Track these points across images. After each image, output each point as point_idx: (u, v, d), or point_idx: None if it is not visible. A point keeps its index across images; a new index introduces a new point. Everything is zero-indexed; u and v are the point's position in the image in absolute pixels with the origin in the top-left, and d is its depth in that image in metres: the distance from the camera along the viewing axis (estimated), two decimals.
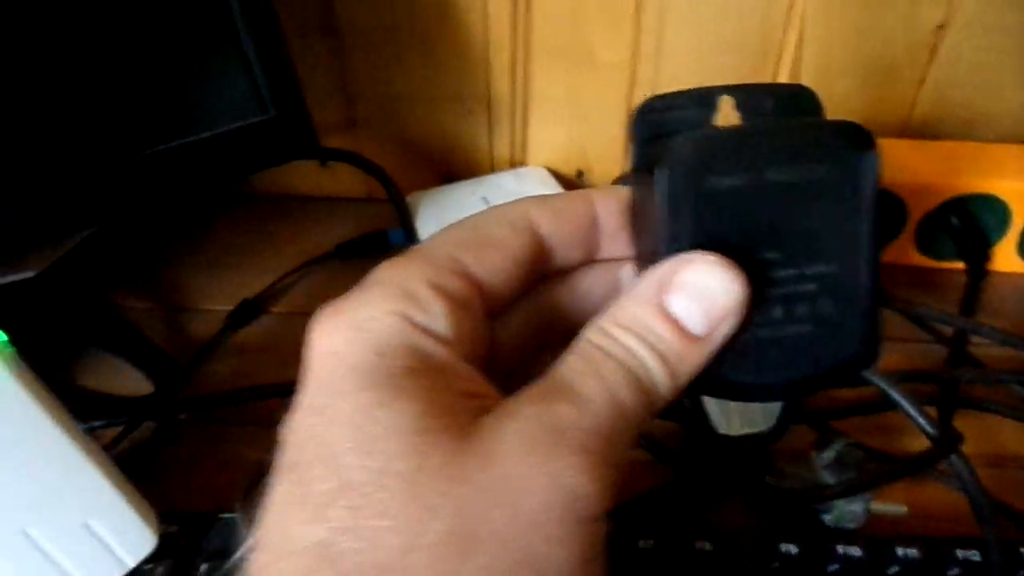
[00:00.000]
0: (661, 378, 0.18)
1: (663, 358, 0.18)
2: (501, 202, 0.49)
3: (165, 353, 0.41)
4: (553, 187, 0.49)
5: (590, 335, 0.18)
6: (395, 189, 0.47)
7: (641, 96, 0.48)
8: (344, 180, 0.53)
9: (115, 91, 0.33)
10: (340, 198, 0.53)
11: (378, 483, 0.15)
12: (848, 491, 0.31)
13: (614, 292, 0.21)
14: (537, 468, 0.15)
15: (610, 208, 0.22)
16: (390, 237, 0.48)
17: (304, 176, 0.53)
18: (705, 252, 0.18)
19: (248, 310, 0.44)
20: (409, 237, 0.46)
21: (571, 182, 0.52)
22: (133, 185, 0.37)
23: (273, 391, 0.38)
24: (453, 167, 0.52)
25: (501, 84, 0.48)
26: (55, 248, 0.40)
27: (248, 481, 0.34)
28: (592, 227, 0.22)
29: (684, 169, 0.18)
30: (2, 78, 0.30)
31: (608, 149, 0.51)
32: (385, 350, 0.17)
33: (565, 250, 0.22)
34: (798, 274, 0.19)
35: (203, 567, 0.30)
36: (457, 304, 0.18)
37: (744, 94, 0.21)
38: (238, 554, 0.31)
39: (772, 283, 0.19)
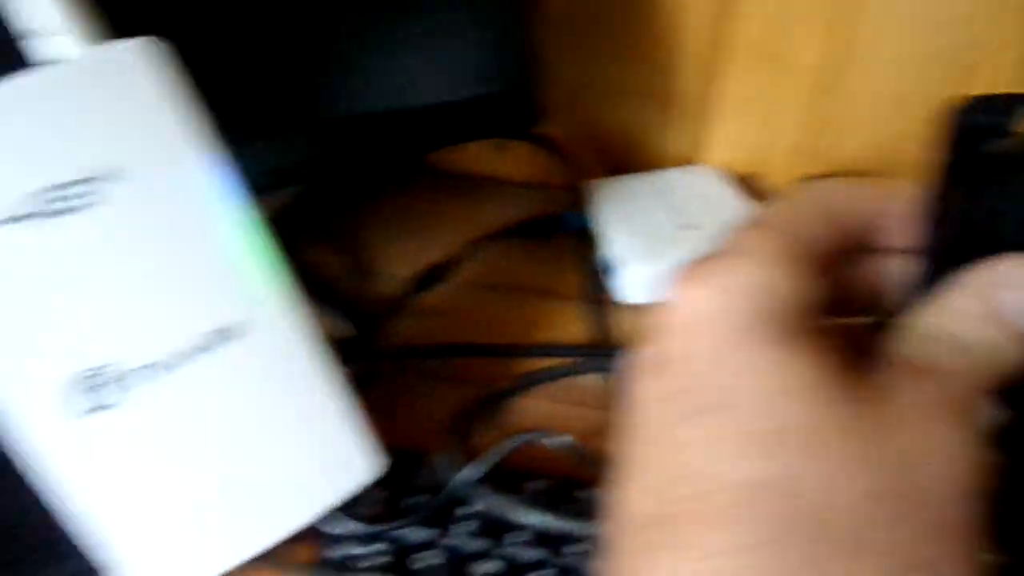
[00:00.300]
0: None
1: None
2: (678, 198, 0.50)
3: (360, 303, 0.44)
4: (730, 187, 0.50)
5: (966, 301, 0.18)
6: (579, 174, 0.49)
7: (829, 104, 0.48)
8: (517, 163, 0.55)
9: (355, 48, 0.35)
10: (515, 181, 0.55)
11: (802, 432, 0.16)
12: None
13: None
14: (943, 436, 0.16)
15: (897, 203, 0.22)
16: (566, 221, 0.49)
17: (478, 157, 0.55)
18: None
19: (430, 276, 0.47)
20: (585, 222, 0.47)
21: (747, 183, 0.52)
22: (352, 146, 0.40)
23: (469, 350, 0.40)
24: (630, 159, 0.53)
25: (689, 81, 0.49)
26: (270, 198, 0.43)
27: (449, 425, 0.36)
28: (890, 218, 0.23)
29: (999, 184, 0.19)
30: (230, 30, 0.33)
31: (786, 153, 0.51)
32: (773, 309, 0.18)
33: (874, 235, 0.22)
34: None
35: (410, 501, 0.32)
36: (816, 273, 0.19)
37: None
38: None
39: None
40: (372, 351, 0.41)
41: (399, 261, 0.48)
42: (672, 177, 0.51)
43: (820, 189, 0.23)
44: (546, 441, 0.34)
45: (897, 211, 0.22)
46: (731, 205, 0.48)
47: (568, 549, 0.32)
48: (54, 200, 0.23)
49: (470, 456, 0.34)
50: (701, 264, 0.20)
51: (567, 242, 0.49)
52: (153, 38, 0.24)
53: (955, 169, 0.21)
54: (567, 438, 0.34)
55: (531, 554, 0.32)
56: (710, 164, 0.52)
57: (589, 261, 0.47)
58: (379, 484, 0.33)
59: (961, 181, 0.20)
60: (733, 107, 0.50)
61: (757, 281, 0.18)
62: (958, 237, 0.21)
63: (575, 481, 0.34)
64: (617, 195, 0.49)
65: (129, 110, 0.24)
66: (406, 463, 0.34)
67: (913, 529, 0.15)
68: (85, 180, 0.24)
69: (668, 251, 0.44)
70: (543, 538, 0.32)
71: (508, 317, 0.45)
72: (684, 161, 0.53)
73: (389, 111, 0.38)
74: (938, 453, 0.16)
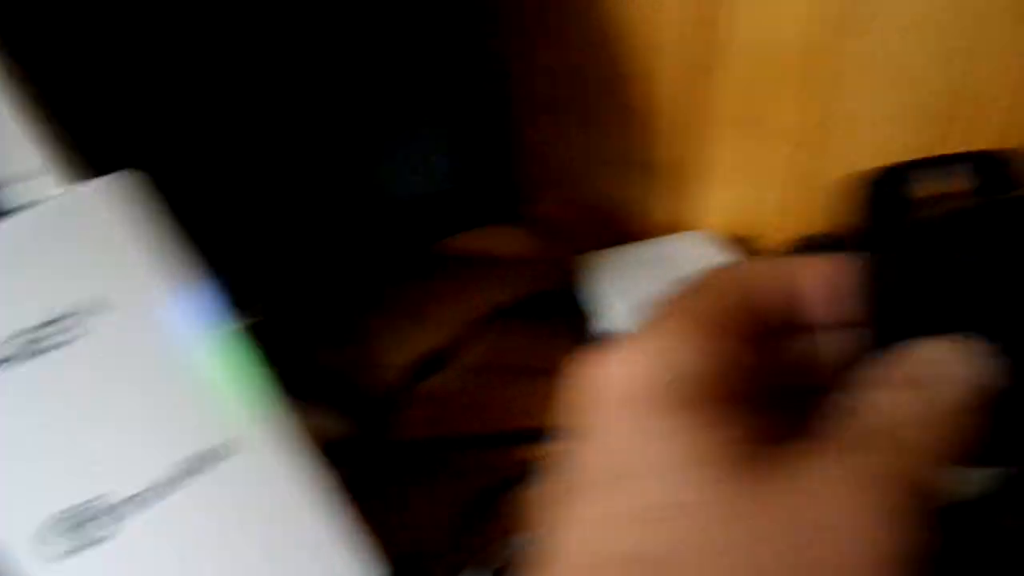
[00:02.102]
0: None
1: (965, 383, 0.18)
2: (669, 267, 0.50)
3: (365, 399, 0.44)
4: (722, 253, 0.50)
5: (865, 390, 0.18)
6: (570, 250, 0.49)
7: (814, 164, 0.48)
8: (511, 242, 0.55)
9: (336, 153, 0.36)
10: (507, 259, 0.56)
11: (681, 508, 0.16)
12: None
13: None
14: (853, 515, 0.15)
15: (823, 276, 0.22)
16: (565, 297, 0.49)
17: (472, 238, 0.56)
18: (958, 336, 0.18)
19: (432, 363, 0.46)
20: (583, 298, 0.47)
21: (741, 246, 0.52)
22: (348, 246, 0.40)
23: (470, 441, 0.40)
24: (624, 230, 0.53)
25: (675, 150, 0.49)
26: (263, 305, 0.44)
27: (450, 524, 0.36)
28: (833, 289, 0.23)
29: (930, 245, 0.19)
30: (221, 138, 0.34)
31: (775, 215, 0.51)
32: (685, 379, 0.17)
33: (812, 307, 0.22)
34: None
35: None
36: (741, 339, 0.19)
37: (981, 161, 0.21)
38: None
39: None
40: (373, 448, 0.41)
41: (399, 350, 0.48)
42: (665, 245, 0.51)
43: (736, 268, 0.23)
44: None
45: (821, 285, 0.22)
46: None
47: None
48: (37, 340, 0.23)
49: (472, 558, 0.33)
50: (613, 344, 0.19)
51: (564, 319, 0.48)
52: (129, 171, 0.25)
53: (873, 239, 0.21)
54: None
55: None
56: (702, 230, 0.52)
57: (586, 337, 0.47)
58: None
59: (878, 250, 0.20)
60: (719, 172, 0.50)
61: (664, 355, 0.18)
62: (883, 309, 0.20)
63: None
64: (611, 267, 0.49)
65: (108, 244, 0.25)
66: (406, 569, 0.33)
67: None
68: (67, 316, 0.24)
69: None
70: None
71: (511, 400, 0.44)
72: (677, 228, 0.53)
73: (371, 213, 0.39)
74: (848, 532, 0.15)
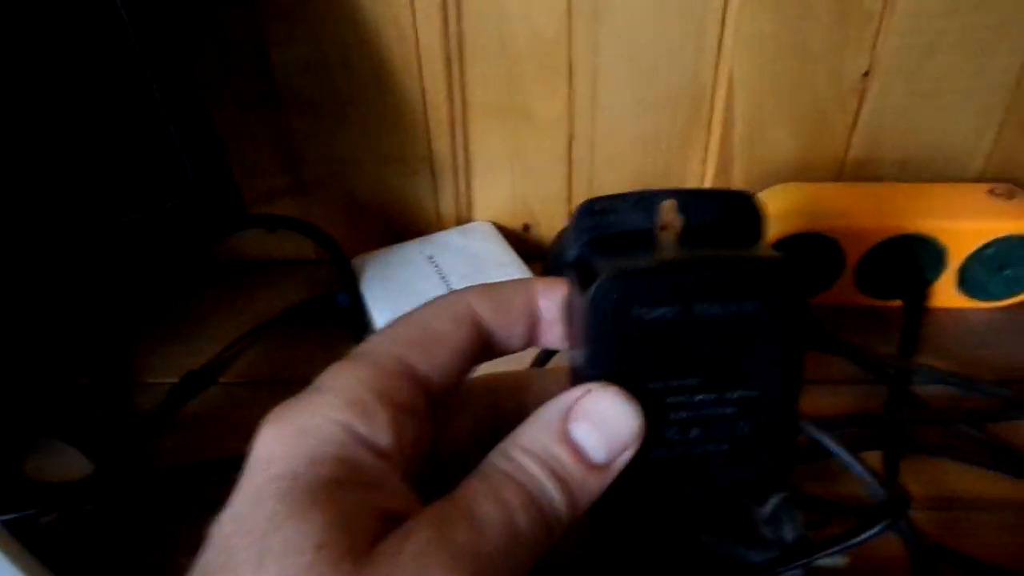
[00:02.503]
0: (561, 504, 0.18)
1: (564, 484, 0.18)
2: (448, 260, 0.49)
3: (107, 429, 0.41)
4: (499, 242, 0.49)
5: (494, 458, 0.19)
6: (338, 251, 0.47)
7: (580, 151, 0.49)
8: (294, 243, 0.53)
9: (35, 177, 0.33)
10: (291, 261, 0.53)
11: None
12: (786, 561, 0.30)
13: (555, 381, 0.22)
14: None
15: (550, 299, 0.22)
16: (339, 300, 0.48)
17: (252, 241, 0.53)
18: (608, 384, 0.19)
19: (194, 382, 0.44)
20: (354, 301, 0.46)
21: (518, 236, 0.52)
22: (62, 270, 0.37)
23: (220, 467, 0.38)
24: (401, 226, 0.52)
25: (442, 144, 0.48)
26: None
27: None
28: (532, 316, 0.23)
29: (611, 300, 0.19)
30: None
31: (552, 203, 0.51)
32: (318, 460, 0.17)
33: (506, 339, 0.22)
34: (718, 398, 0.20)
35: None
36: (402, 410, 0.19)
37: (688, 197, 0.21)
38: None
39: (691, 406, 0.20)
40: (122, 483, 0.38)
41: (163, 369, 0.45)
42: (445, 238, 0.50)
43: (459, 296, 0.22)
44: None
45: (552, 309, 0.22)
46: (503, 260, 0.48)
47: None
48: None
49: None
50: (286, 405, 0.19)
51: (341, 322, 0.47)
52: None
53: (574, 272, 0.21)
54: None
55: None
56: (483, 220, 0.52)
57: (361, 341, 0.45)
58: None
59: (580, 283, 0.20)
60: (493, 163, 0.50)
61: (311, 435, 0.18)
62: (574, 343, 0.21)
63: None
64: (386, 265, 0.48)
65: None
66: None
67: None
68: None
69: None
70: None
71: None
72: (460, 220, 0.52)
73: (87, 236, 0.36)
74: None
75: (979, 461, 0.37)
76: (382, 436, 0.18)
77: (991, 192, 0.46)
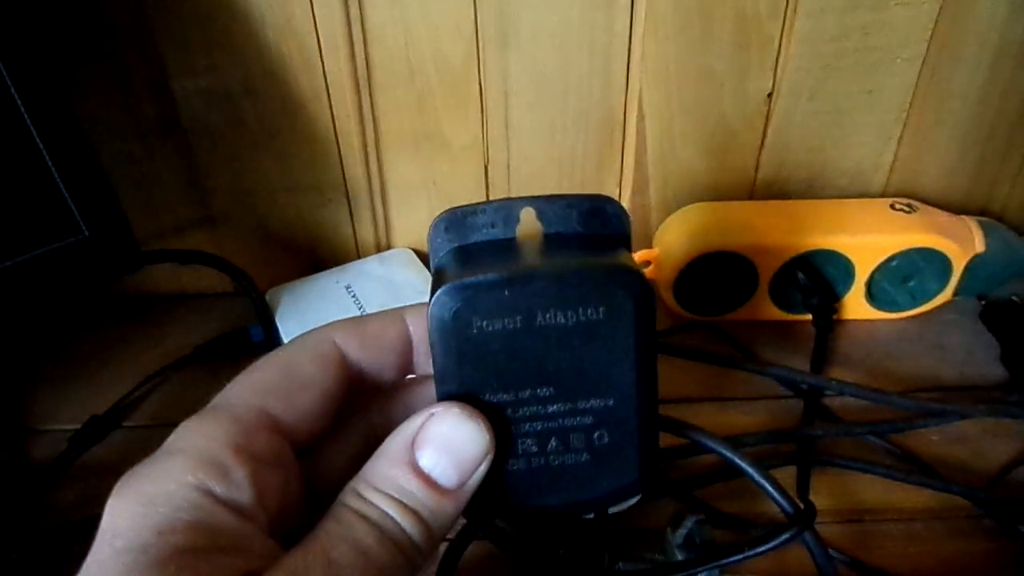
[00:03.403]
0: (418, 534, 0.18)
1: (417, 515, 0.18)
2: (365, 288, 0.49)
3: (4, 484, 0.38)
4: (418, 268, 0.49)
5: (345, 499, 0.19)
6: (252, 285, 0.46)
7: (496, 175, 0.49)
8: (206, 276, 0.51)
9: None
10: (203, 294, 0.52)
11: None
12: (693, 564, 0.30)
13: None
14: None
15: (421, 325, 0.22)
16: (252, 335, 0.46)
17: (163, 275, 0.51)
18: (451, 404, 0.19)
19: (97, 427, 0.42)
20: (268, 334, 0.45)
21: None
22: None
23: None
24: (319, 256, 0.51)
25: (356, 171, 0.48)
26: None
27: None
28: (404, 345, 0.22)
29: (449, 313, 0.19)
30: None
31: None
32: (168, 529, 0.17)
33: (377, 372, 0.22)
34: (572, 408, 0.20)
35: None
36: (264, 464, 0.18)
37: (546, 205, 0.21)
38: None
39: (546, 417, 0.20)
40: (14, 538, 0.36)
41: (64, 414, 0.43)
42: (363, 267, 0.49)
43: (322, 333, 0.21)
44: None
45: (423, 336, 0.21)
46: (422, 288, 0.47)
47: None
48: None
49: None
50: (135, 471, 0.18)
51: (256, 358, 0.45)
52: None
53: (433, 282, 0.20)
54: None
55: None
56: (403, 247, 0.51)
57: None
58: None
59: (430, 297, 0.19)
60: (409, 189, 0.49)
61: (168, 498, 0.17)
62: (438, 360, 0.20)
63: None
64: (301, 296, 0.47)
65: None
66: None
67: None
68: None
69: None
70: None
71: None
72: (380, 248, 0.52)
73: None
74: None
75: (887, 473, 0.38)
76: (241, 494, 0.18)
77: (893, 207, 0.48)
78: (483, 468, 0.19)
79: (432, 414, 0.19)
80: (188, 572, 0.16)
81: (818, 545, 0.30)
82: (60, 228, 0.33)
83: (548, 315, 0.19)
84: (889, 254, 0.46)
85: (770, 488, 0.29)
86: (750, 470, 0.30)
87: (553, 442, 0.20)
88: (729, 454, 0.30)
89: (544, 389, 0.19)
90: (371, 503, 0.18)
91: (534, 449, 0.20)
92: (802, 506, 0.28)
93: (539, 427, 0.20)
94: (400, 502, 0.18)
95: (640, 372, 0.19)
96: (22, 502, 0.38)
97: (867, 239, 0.46)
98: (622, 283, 0.19)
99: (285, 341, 0.44)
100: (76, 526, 0.37)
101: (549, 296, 0.19)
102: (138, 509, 0.17)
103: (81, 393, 0.44)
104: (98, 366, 0.46)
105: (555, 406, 0.19)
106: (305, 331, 0.22)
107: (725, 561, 0.29)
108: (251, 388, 0.20)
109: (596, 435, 0.20)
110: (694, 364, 0.40)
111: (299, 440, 0.20)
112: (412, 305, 0.23)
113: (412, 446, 0.19)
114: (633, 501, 0.22)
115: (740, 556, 0.29)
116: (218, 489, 0.17)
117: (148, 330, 0.49)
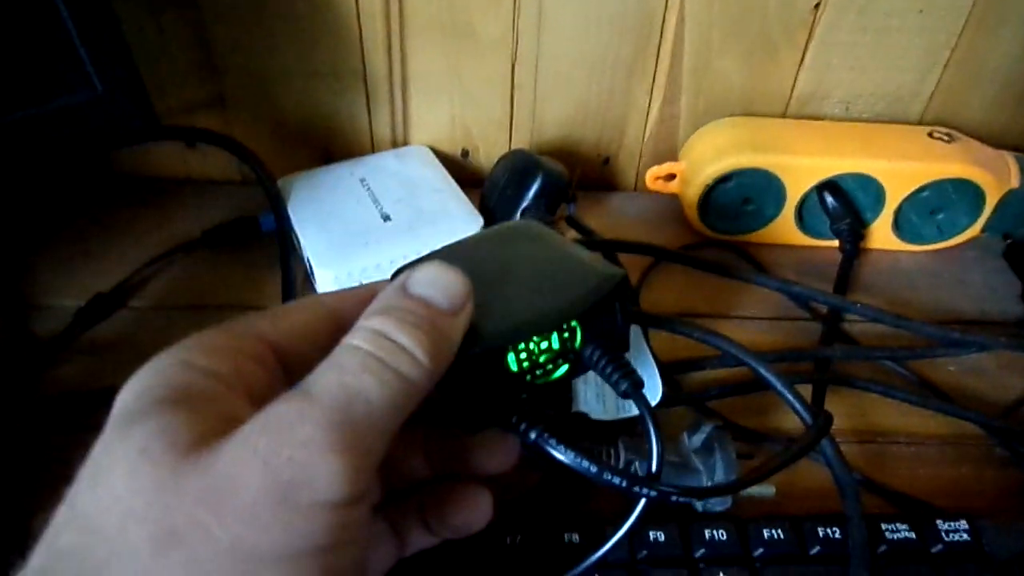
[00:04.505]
0: (417, 351, 0.19)
1: (415, 328, 0.19)
2: (381, 183, 0.47)
3: (6, 356, 0.37)
4: (436, 167, 0.47)
5: (343, 338, 0.19)
6: (264, 171, 0.44)
7: (523, 74, 0.47)
8: (215, 162, 0.49)
9: None
10: (211, 181, 0.50)
11: (99, 507, 0.16)
12: (733, 489, 0.30)
13: None
14: (252, 464, 0.16)
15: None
16: (262, 223, 0.45)
17: (170, 157, 0.49)
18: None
19: (102, 305, 0.41)
20: (280, 224, 0.43)
21: (456, 162, 0.50)
22: None
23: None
24: (332, 147, 0.49)
25: (377, 59, 0.45)
26: None
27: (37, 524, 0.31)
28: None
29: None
30: None
31: (493, 128, 0.49)
32: (150, 387, 0.18)
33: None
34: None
35: None
36: (246, 356, 0.19)
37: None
38: None
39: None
40: (15, 407, 0.35)
41: (65, 291, 0.42)
42: (379, 161, 0.47)
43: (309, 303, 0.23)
44: None
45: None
46: (438, 186, 0.46)
47: None
48: None
49: None
50: None
51: (265, 247, 0.44)
52: None
53: None
54: None
55: None
56: (420, 143, 0.49)
57: (287, 266, 0.43)
58: None
59: None
60: (432, 83, 0.47)
61: (154, 370, 0.19)
62: None
63: None
64: (315, 187, 0.45)
65: None
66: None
67: (200, 555, 0.15)
68: None
69: (370, 247, 0.41)
70: None
71: None
72: (396, 142, 0.50)
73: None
74: (244, 482, 0.16)
75: (903, 396, 0.38)
76: (221, 366, 0.19)
77: (931, 135, 0.46)
78: (468, 309, 0.21)
79: (417, 264, 0.21)
80: (160, 415, 0.17)
81: (836, 454, 0.30)
82: (73, 82, 0.31)
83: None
84: (923, 182, 0.45)
85: (790, 396, 0.29)
86: (771, 377, 0.29)
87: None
88: (752, 361, 0.30)
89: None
90: (363, 327, 0.19)
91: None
92: (820, 416, 0.28)
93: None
94: (395, 318, 0.19)
95: None
96: (25, 374, 0.38)
97: (902, 165, 0.45)
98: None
99: (298, 231, 0.43)
100: (82, 397, 0.36)
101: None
102: (134, 382, 0.18)
103: (84, 271, 0.43)
104: (101, 246, 0.45)
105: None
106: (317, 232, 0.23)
107: (754, 480, 0.28)
108: (243, 316, 0.21)
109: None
110: (712, 281, 0.40)
111: (282, 352, 0.21)
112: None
113: (403, 287, 0.20)
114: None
115: (766, 473, 0.27)
116: (200, 361, 0.19)
117: (153, 213, 0.47)
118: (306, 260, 0.42)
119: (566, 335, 0.23)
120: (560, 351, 0.24)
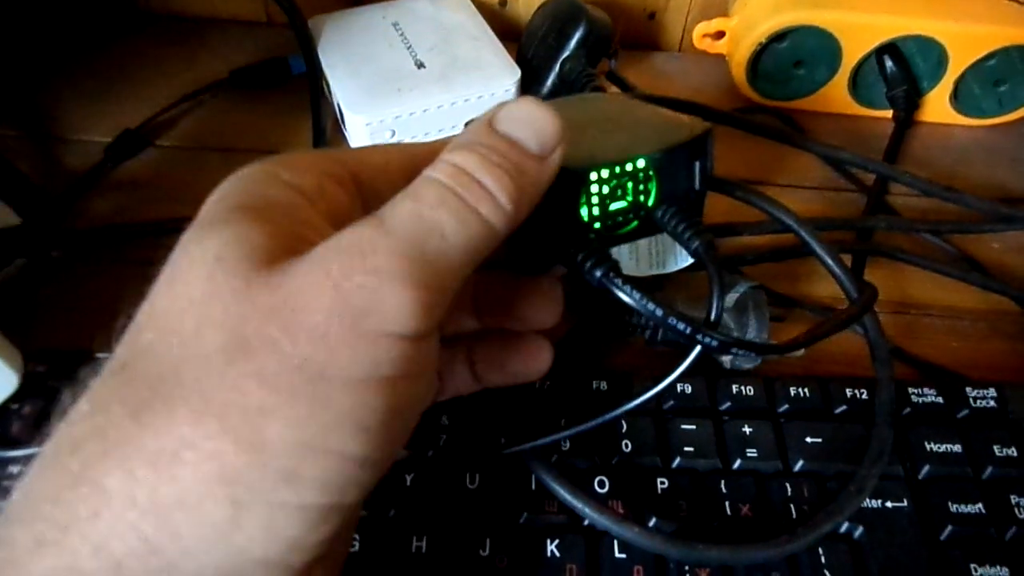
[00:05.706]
0: (501, 194, 0.18)
1: (499, 170, 0.18)
2: (415, 28, 0.45)
3: (32, 183, 0.37)
4: (472, 14, 0.45)
5: (425, 170, 0.18)
6: (295, 9, 0.42)
7: None
8: (242, 1, 0.47)
9: None
10: (240, 21, 0.48)
11: (175, 307, 0.16)
12: (787, 348, 0.29)
13: None
14: (323, 286, 0.16)
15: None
16: (292, 66, 0.43)
17: None
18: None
19: (130, 141, 0.40)
20: (309, 66, 0.41)
21: (493, 10, 0.47)
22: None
23: (151, 229, 0.35)
24: None
25: None
26: None
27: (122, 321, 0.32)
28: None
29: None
30: None
31: None
32: (232, 193, 0.18)
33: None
34: None
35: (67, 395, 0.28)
36: (330, 176, 0.19)
37: None
38: None
39: None
40: (42, 239, 0.35)
41: (101, 126, 0.41)
42: (412, 5, 0.45)
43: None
44: None
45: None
46: (475, 34, 0.43)
47: None
48: None
49: None
50: None
51: (294, 90, 0.43)
52: None
53: None
54: None
55: None
56: None
57: (318, 112, 0.41)
58: (34, 392, 0.28)
59: None
60: None
61: (237, 179, 0.18)
62: None
63: None
64: (346, 29, 0.43)
65: None
66: (66, 364, 0.30)
67: (268, 369, 0.15)
68: None
69: (403, 94, 0.40)
70: None
71: (216, 183, 0.39)
72: None
73: None
74: (315, 303, 0.16)
75: (942, 269, 0.37)
76: (305, 182, 0.18)
77: None
78: (559, 154, 0.19)
79: (510, 99, 0.20)
80: (239, 223, 0.17)
81: (874, 322, 0.30)
82: None
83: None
84: (990, 49, 0.42)
85: (837, 269, 0.28)
86: (818, 247, 0.28)
87: None
88: (802, 230, 0.29)
89: None
90: (444, 160, 0.18)
91: None
92: (866, 289, 0.27)
93: None
94: (479, 154, 0.18)
95: None
96: (56, 206, 0.38)
97: (971, 28, 0.42)
98: None
99: (328, 75, 0.41)
100: (112, 231, 0.36)
101: None
102: (223, 186, 0.18)
103: (111, 108, 0.42)
104: (126, 83, 0.44)
105: None
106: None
107: (808, 343, 0.27)
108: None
109: None
110: (754, 146, 0.38)
111: (361, 181, 0.20)
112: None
113: (490, 123, 0.19)
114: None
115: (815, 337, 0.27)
116: (284, 175, 0.18)
117: (179, 51, 0.46)
118: (336, 105, 0.41)
119: (640, 187, 0.23)
120: (632, 206, 0.23)
